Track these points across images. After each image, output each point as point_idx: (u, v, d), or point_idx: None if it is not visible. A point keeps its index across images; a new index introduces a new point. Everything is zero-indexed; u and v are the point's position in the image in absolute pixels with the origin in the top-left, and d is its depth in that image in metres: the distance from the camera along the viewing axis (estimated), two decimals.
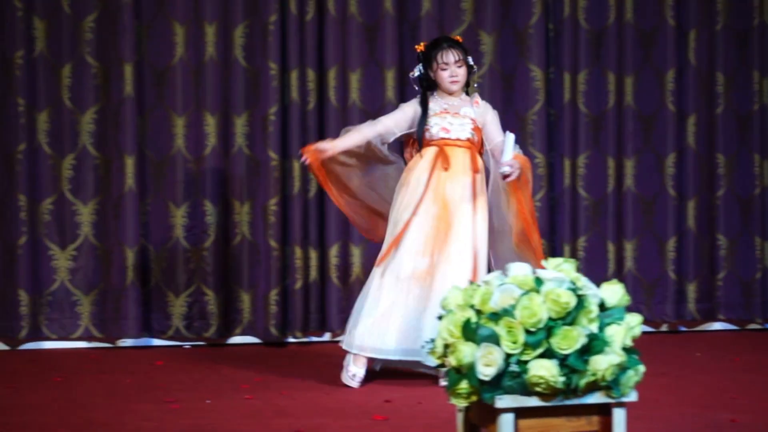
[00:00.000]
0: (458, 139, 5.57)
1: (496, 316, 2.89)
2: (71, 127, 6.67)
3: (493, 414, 2.85)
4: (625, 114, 7.24)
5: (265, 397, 5.25)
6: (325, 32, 6.87)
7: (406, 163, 5.69)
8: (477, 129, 5.59)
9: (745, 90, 7.42)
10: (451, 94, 5.61)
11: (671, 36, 7.27)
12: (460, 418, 3.03)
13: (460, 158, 5.55)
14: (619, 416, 2.89)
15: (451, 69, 5.56)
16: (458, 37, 5.75)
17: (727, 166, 7.39)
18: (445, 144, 5.56)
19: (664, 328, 7.35)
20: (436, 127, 5.56)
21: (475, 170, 5.55)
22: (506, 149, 5.49)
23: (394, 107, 6.67)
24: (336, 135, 6.71)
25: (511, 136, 5.47)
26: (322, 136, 6.79)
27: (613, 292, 2.99)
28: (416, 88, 5.69)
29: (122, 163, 6.66)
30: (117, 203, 6.68)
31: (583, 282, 2.96)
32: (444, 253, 5.47)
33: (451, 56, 5.56)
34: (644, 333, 7.19)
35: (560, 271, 2.99)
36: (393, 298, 5.48)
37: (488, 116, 5.64)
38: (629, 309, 7.36)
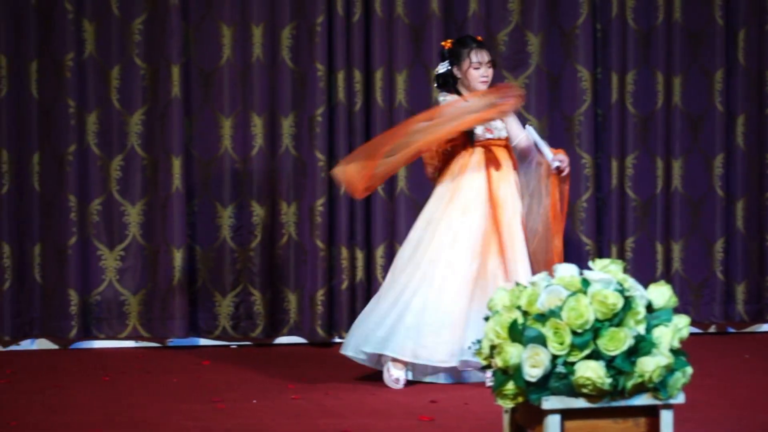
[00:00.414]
0: (500, 139, 5.58)
1: (542, 318, 2.88)
2: (119, 128, 6.72)
3: (539, 415, 2.85)
4: (673, 114, 7.20)
5: (311, 397, 5.26)
6: (372, 33, 6.88)
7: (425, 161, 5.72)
8: (505, 127, 5.66)
9: None
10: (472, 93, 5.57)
11: (720, 36, 7.22)
12: (506, 419, 3.03)
13: (505, 157, 5.58)
14: (666, 418, 2.88)
15: (484, 68, 5.55)
16: (480, 38, 5.75)
17: None
18: (490, 144, 5.56)
19: (711, 329, 7.31)
20: (480, 128, 5.54)
21: (515, 167, 5.62)
22: (540, 144, 5.54)
23: None
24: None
25: (532, 129, 5.57)
26: (368, 136, 6.83)
27: (661, 294, 2.98)
28: (436, 85, 5.68)
29: (169, 164, 6.69)
30: (164, 204, 6.72)
31: (631, 283, 2.95)
32: (502, 255, 5.47)
33: (484, 56, 5.56)
34: (692, 334, 7.13)
35: (607, 272, 2.98)
36: (457, 302, 5.43)
37: (514, 124, 5.66)
38: (677, 310, 7.38)
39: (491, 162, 5.51)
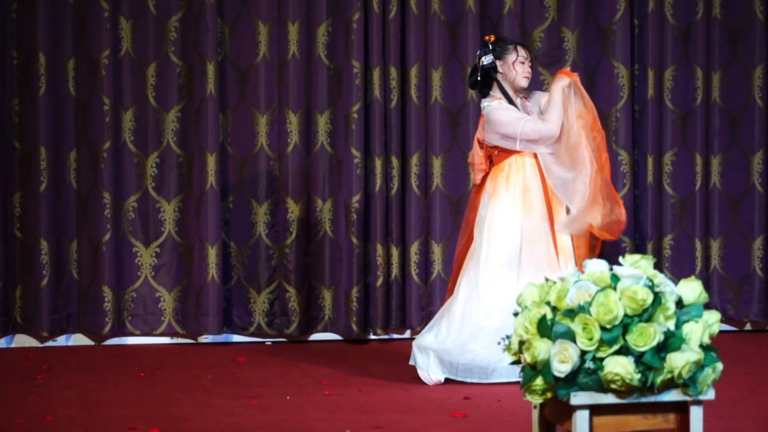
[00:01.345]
0: None
1: (571, 313, 2.89)
2: (155, 126, 6.76)
3: (568, 411, 2.85)
4: (712, 110, 7.17)
5: (344, 393, 5.28)
6: (408, 30, 6.88)
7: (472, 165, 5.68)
8: None
9: None
10: (516, 91, 5.55)
11: (761, 31, 7.18)
12: (535, 415, 3.04)
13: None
14: (696, 414, 2.87)
15: (527, 65, 5.53)
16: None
17: None
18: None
19: (750, 327, 7.27)
20: None
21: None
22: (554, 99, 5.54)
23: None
24: (418, 132, 6.86)
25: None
26: (404, 133, 6.87)
27: (691, 289, 2.97)
28: (475, 78, 5.55)
29: (204, 161, 6.72)
30: (199, 201, 6.74)
31: (661, 279, 2.95)
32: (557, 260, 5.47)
33: (526, 52, 5.56)
34: (730, 332, 7.20)
35: (637, 268, 2.97)
36: None
37: (543, 98, 5.61)
38: (714, 306, 7.34)
39: (539, 168, 5.53)
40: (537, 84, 6.03)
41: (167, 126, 6.77)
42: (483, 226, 5.50)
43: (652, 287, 2.90)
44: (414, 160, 6.88)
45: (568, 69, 5.71)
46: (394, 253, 6.89)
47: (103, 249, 6.67)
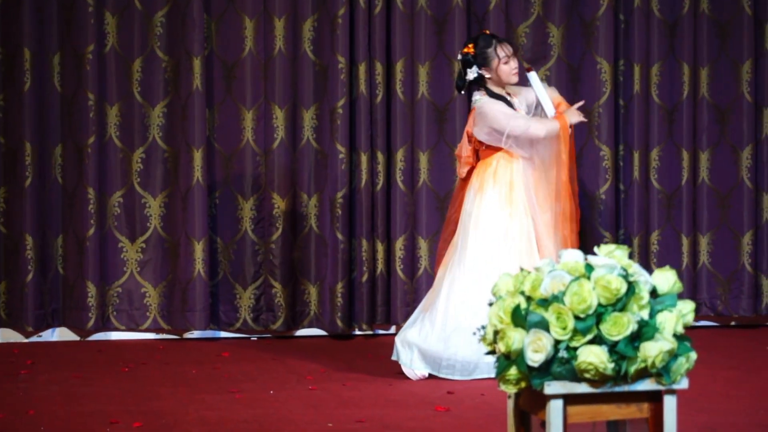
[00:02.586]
0: None
1: (545, 303, 2.88)
2: (141, 121, 6.76)
3: (542, 400, 2.84)
4: (700, 106, 7.18)
5: (328, 388, 5.30)
6: (393, 25, 6.87)
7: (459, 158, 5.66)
8: None
9: None
10: (503, 87, 5.56)
11: (749, 26, 7.18)
12: (510, 404, 3.04)
13: None
14: (670, 404, 2.87)
15: (512, 61, 5.51)
16: (486, 31, 5.78)
17: None
18: None
19: (737, 323, 7.27)
20: None
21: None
22: (541, 95, 5.56)
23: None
24: (404, 127, 6.86)
25: (535, 76, 5.60)
26: (389, 129, 6.87)
27: (665, 279, 2.98)
28: (461, 92, 5.72)
29: (191, 157, 6.72)
30: (185, 196, 6.74)
31: (635, 268, 2.95)
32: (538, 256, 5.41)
33: (509, 48, 5.53)
34: (718, 327, 7.20)
35: (612, 258, 2.98)
36: None
37: (530, 94, 5.63)
38: (703, 302, 7.32)
39: (529, 162, 5.50)
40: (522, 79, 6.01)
41: (153, 121, 6.77)
42: (469, 222, 5.50)
43: (626, 277, 2.90)
44: (399, 156, 6.88)
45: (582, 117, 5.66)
46: (380, 248, 6.88)
47: (88, 244, 6.67)
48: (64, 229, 6.71)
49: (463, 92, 5.77)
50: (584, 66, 6.99)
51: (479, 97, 5.52)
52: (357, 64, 6.84)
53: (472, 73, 5.52)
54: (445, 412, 4.76)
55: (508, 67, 5.50)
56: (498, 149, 5.47)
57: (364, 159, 6.84)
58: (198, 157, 6.72)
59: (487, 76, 5.52)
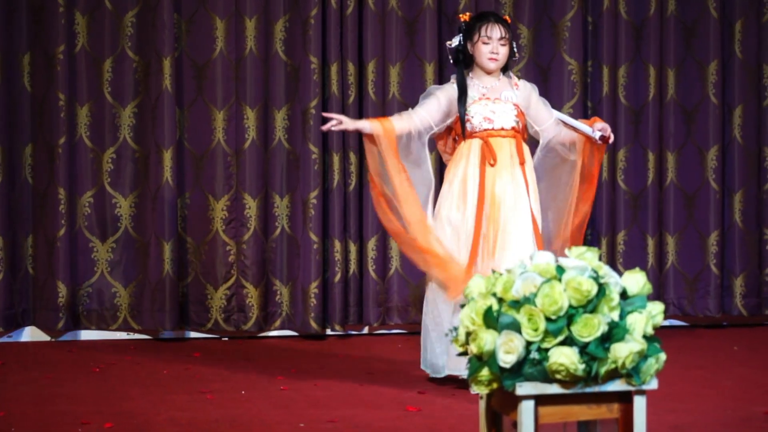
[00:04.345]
0: (502, 129, 5.12)
1: (517, 304, 2.88)
2: (111, 121, 6.74)
3: (513, 401, 2.85)
4: (667, 107, 7.23)
5: (299, 389, 5.29)
6: (365, 26, 6.90)
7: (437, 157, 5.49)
8: (521, 114, 5.17)
9: None
10: (487, 72, 5.18)
11: (715, 28, 7.25)
12: (482, 405, 3.05)
13: (506, 150, 5.12)
14: (639, 404, 2.88)
15: (493, 44, 5.12)
16: (507, 17, 5.34)
17: None
18: (489, 135, 5.12)
19: (705, 323, 7.32)
20: (477, 116, 5.12)
21: (522, 161, 5.13)
22: (572, 120, 5.28)
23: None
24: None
25: (557, 112, 5.34)
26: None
27: (635, 281, 2.99)
28: (450, 60, 5.32)
29: (161, 157, 6.71)
30: (155, 196, 6.73)
31: (605, 270, 2.96)
32: (500, 257, 5.01)
33: (496, 31, 5.13)
34: (685, 327, 7.24)
35: (583, 260, 3.00)
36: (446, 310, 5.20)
37: (533, 98, 5.25)
38: (670, 302, 7.35)
39: (487, 155, 5.09)
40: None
41: (123, 121, 6.76)
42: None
43: (596, 279, 2.91)
44: None
45: (609, 137, 5.28)
46: (352, 249, 6.91)
47: (58, 244, 6.65)
48: (34, 229, 6.70)
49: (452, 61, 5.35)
50: (553, 67, 7.02)
51: (451, 80, 5.28)
52: (329, 65, 6.87)
53: (455, 40, 5.23)
54: (416, 412, 4.76)
55: (485, 48, 5.12)
56: (460, 141, 5.20)
57: (336, 159, 6.85)
58: (168, 157, 6.71)
59: (471, 52, 5.18)
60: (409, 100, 6.87)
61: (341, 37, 6.87)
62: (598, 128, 5.19)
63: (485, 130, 5.11)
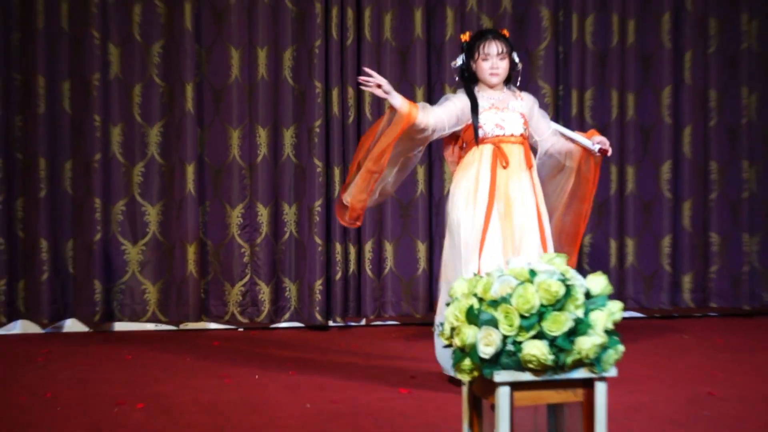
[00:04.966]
0: (512, 135, 4.85)
1: (495, 303, 2.83)
2: (141, 139, 6.74)
3: (492, 387, 2.82)
4: (627, 126, 7.25)
5: (306, 373, 5.28)
6: (363, 55, 6.88)
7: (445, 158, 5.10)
8: (526, 123, 4.91)
9: (735, 105, 7.40)
10: (491, 86, 4.91)
11: (668, 57, 7.27)
12: (464, 390, 3.05)
13: (516, 154, 4.86)
14: (600, 389, 2.86)
15: (493, 60, 4.86)
16: (505, 31, 5.02)
17: (719, 172, 7.38)
18: (500, 141, 4.84)
19: (659, 314, 7.34)
20: (489, 123, 4.84)
21: (530, 166, 4.89)
22: (571, 133, 5.05)
23: None
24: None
25: (556, 125, 5.10)
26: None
27: (598, 283, 2.98)
28: (456, 78, 5.04)
29: (184, 170, 6.70)
30: (179, 205, 6.73)
31: (572, 274, 2.94)
32: (516, 252, 4.77)
33: (494, 48, 4.86)
34: (642, 319, 7.25)
35: (552, 265, 3.00)
36: None
37: (535, 109, 4.99)
38: (630, 297, 7.34)
39: (498, 159, 4.81)
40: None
41: (151, 139, 6.75)
42: (446, 220, 5.00)
43: (564, 281, 2.87)
44: None
45: (608, 151, 5.07)
46: (351, 251, 6.89)
47: (94, 248, 6.64)
48: (73, 235, 6.69)
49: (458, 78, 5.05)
50: (529, 90, 6.97)
51: (459, 91, 4.98)
52: (331, 89, 6.85)
53: (459, 60, 4.96)
54: (407, 394, 4.76)
55: (485, 64, 4.86)
56: (472, 145, 4.88)
57: (337, 172, 6.84)
58: (190, 170, 6.70)
59: (474, 69, 4.92)
60: None
61: (342, 64, 6.86)
62: (596, 141, 5.00)
63: (497, 136, 4.84)
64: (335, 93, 6.85)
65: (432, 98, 6.83)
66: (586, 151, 5.08)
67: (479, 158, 4.83)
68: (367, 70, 4.68)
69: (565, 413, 3.00)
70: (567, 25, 7.13)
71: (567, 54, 7.15)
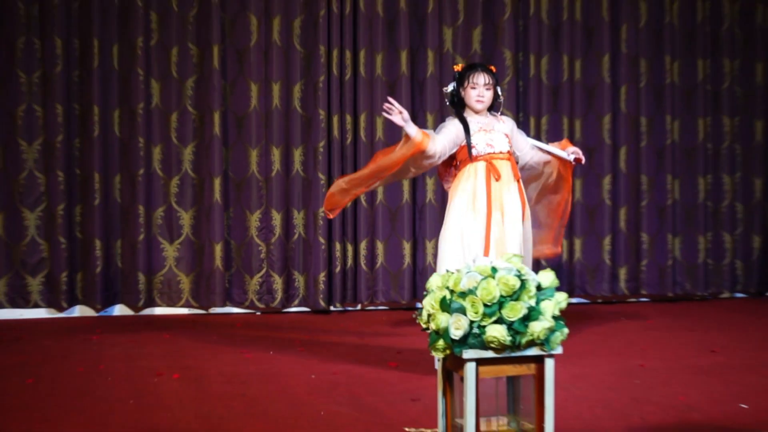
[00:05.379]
0: (501, 152, 4.64)
1: (463, 295, 2.81)
2: (177, 157, 6.74)
3: (461, 362, 2.81)
4: (575, 146, 7.24)
5: (311, 349, 5.29)
6: (358, 88, 6.89)
7: (439, 176, 4.85)
8: (510, 142, 4.71)
9: (661, 129, 7.42)
10: (476, 112, 4.68)
11: (608, 90, 7.29)
12: (439, 365, 3.03)
13: (505, 169, 4.64)
14: (549, 364, 2.83)
15: (479, 89, 4.64)
16: (492, 67, 4.80)
17: (648, 183, 7.41)
18: (491, 158, 4.62)
19: (601, 300, 7.36)
20: (481, 143, 4.61)
21: (517, 178, 4.68)
22: (549, 148, 4.83)
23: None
24: (366, 161, 6.65)
25: (535, 141, 4.90)
26: (356, 163, 6.83)
27: (547, 278, 2.96)
28: (446, 102, 4.80)
29: (212, 183, 6.70)
30: (208, 211, 6.72)
31: (526, 270, 2.94)
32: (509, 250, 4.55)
33: (481, 78, 4.65)
34: (587, 304, 7.29)
35: (510, 263, 3.01)
36: None
37: (514, 129, 4.79)
38: (577, 287, 7.33)
39: (491, 173, 4.60)
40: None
41: (185, 157, 6.75)
42: (446, 228, 4.71)
43: (520, 276, 2.86)
44: None
45: (581, 159, 4.87)
46: (349, 248, 6.88)
47: (138, 246, 6.65)
48: (121, 235, 6.68)
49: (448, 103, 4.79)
50: None
51: (448, 118, 4.74)
52: (332, 116, 6.83)
53: (450, 87, 4.73)
54: (395, 367, 4.77)
55: (472, 92, 4.64)
56: (468, 162, 4.65)
57: None
58: (217, 183, 6.70)
59: (462, 95, 4.69)
60: (390, 141, 6.83)
61: (341, 96, 6.86)
62: (571, 152, 4.83)
63: (488, 153, 4.62)
64: (336, 119, 6.85)
65: (415, 123, 6.80)
66: (561, 160, 4.93)
67: (474, 174, 4.62)
68: (390, 99, 4.47)
69: (520, 383, 2.99)
70: (525, 64, 7.15)
71: (526, 87, 7.17)
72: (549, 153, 4.87)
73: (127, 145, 6.68)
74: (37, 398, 4.08)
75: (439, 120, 6.68)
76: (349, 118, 6.88)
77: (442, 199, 6.70)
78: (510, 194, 4.63)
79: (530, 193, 4.94)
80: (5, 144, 6.51)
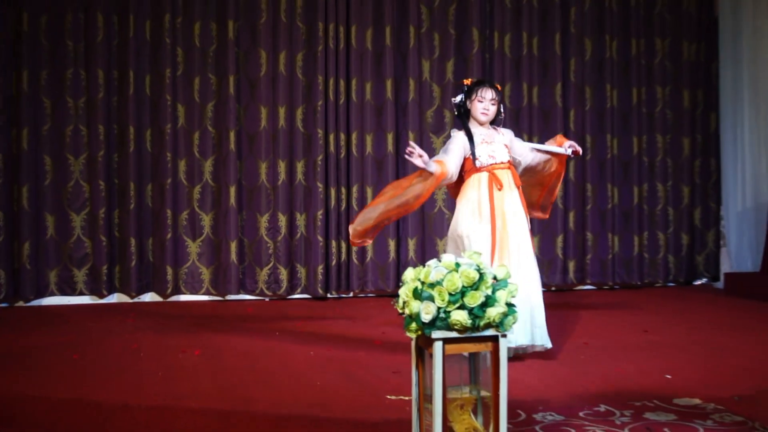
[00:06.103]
0: (502, 162, 4.36)
1: (432, 285, 2.80)
2: (199, 169, 6.73)
3: (430, 341, 2.78)
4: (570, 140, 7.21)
5: (311, 330, 5.27)
6: (351, 111, 6.87)
7: (447, 187, 4.53)
8: (510, 152, 4.44)
9: (603, 145, 7.44)
10: (480, 123, 4.40)
11: (560, 114, 7.31)
12: (413, 344, 3.04)
13: (506, 178, 4.36)
14: (503, 342, 2.74)
15: (486, 103, 4.37)
16: (498, 85, 4.54)
17: (592, 191, 7.42)
18: (493, 168, 4.34)
19: (555, 288, 7.38)
20: (484, 155, 4.34)
21: (518, 185, 4.39)
22: (545, 147, 4.50)
23: (394, 157, 6.77)
24: (357, 172, 6.81)
25: (532, 144, 4.57)
26: (348, 173, 6.81)
27: (501, 271, 3.02)
28: (455, 113, 4.51)
29: (228, 190, 6.70)
30: (225, 214, 6.72)
31: (484, 265, 2.97)
32: (510, 258, 4.26)
33: (489, 94, 4.38)
34: (544, 292, 7.23)
35: (471, 259, 3.03)
36: None
37: (513, 138, 4.50)
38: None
39: (494, 182, 4.33)
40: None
41: (206, 169, 6.74)
42: (452, 234, 4.43)
43: (479, 270, 2.85)
44: (354, 189, 6.86)
45: (578, 150, 4.49)
46: (343, 245, 6.86)
47: (167, 244, 6.64)
48: (153, 235, 6.67)
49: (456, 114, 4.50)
50: None
51: (454, 132, 4.46)
52: (329, 134, 6.82)
53: (458, 98, 4.45)
54: (379, 345, 4.78)
55: (479, 105, 4.37)
56: (473, 172, 4.37)
57: (333, 192, 6.83)
58: (232, 190, 6.70)
59: (468, 107, 4.42)
60: (377, 155, 6.88)
61: (336, 117, 6.84)
62: (567, 146, 4.45)
63: (491, 164, 4.35)
64: (332, 137, 6.84)
65: (398, 142, 6.83)
66: (558, 155, 4.54)
67: (478, 184, 4.33)
68: (411, 144, 4.17)
69: (480, 358, 2.99)
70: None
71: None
72: (547, 152, 4.56)
73: (157, 159, 6.69)
74: (81, 370, 4.09)
75: (419, 137, 6.72)
76: (342, 136, 6.89)
77: (422, 204, 6.70)
78: (511, 201, 4.35)
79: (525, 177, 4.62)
80: (56, 158, 6.52)
